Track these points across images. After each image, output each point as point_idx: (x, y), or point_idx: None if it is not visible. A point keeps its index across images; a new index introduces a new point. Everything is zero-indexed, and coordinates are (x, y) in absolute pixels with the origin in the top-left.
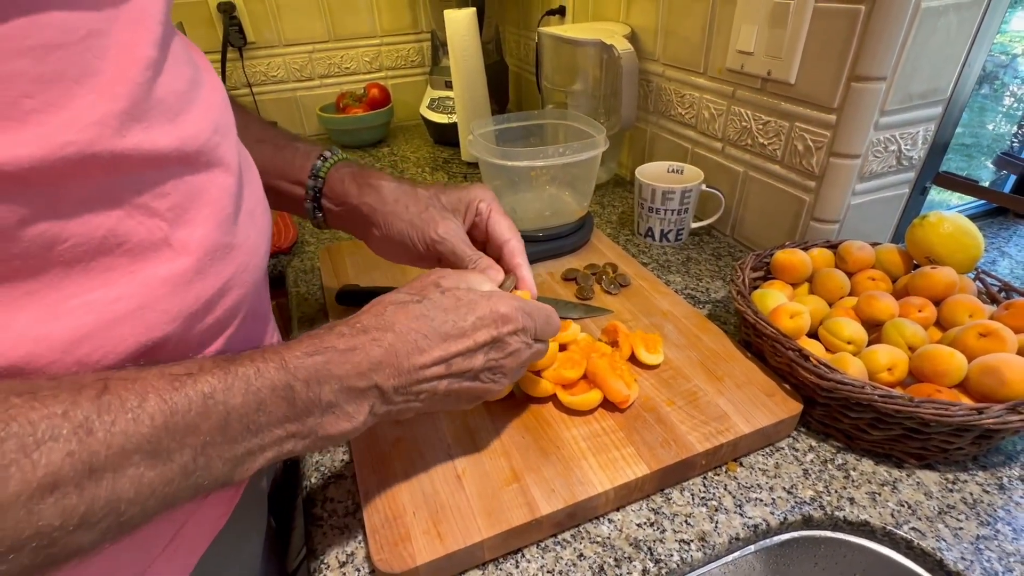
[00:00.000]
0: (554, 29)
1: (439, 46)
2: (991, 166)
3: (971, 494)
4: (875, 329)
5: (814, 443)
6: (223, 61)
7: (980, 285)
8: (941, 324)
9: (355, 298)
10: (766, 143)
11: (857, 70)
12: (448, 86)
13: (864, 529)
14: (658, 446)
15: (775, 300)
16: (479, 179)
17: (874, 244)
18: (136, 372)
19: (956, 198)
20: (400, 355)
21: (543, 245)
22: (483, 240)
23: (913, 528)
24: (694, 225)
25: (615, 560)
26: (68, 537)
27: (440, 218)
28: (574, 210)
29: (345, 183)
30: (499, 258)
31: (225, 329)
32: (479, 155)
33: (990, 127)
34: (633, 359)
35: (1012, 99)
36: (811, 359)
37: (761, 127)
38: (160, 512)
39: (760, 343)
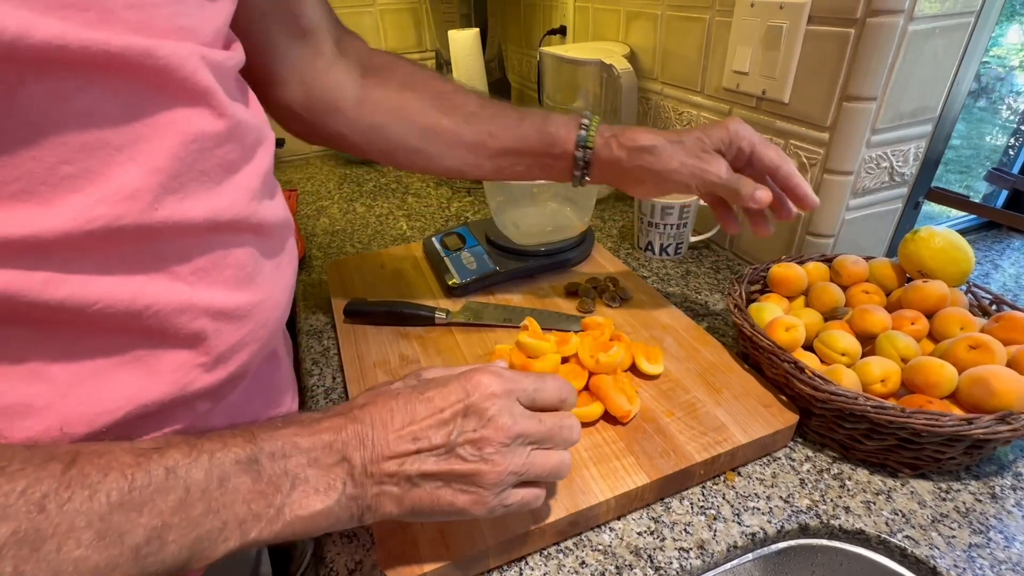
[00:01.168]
0: (555, 49)
1: (443, 64)
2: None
3: (964, 503)
4: (869, 342)
5: (810, 453)
6: None
7: (972, 298)
8: (933, 336)
9: (363, 314)
10: None
11: (848, 90)
12: None
13: (859, 537)
14: (658, 456)
15: (771, 313)
16: (482, 194)
17: (868, 258)
18: (107, 446)
19: (952, 211)
20: (368, 430)
21: (545, 260)
22: (744, 165)
23: (907, 536)
24: (693, 239)
25: (616, 568)
26: None
27: (714, 163)
28: (575, 225)
29: (613, 149)
30: (771, 180)
31: (238, 381)
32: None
33: (988, 139)
34: (634, 368)
35: (1009, 112)
36: (806, 371)
37: None
38: None
39: (757, 355)
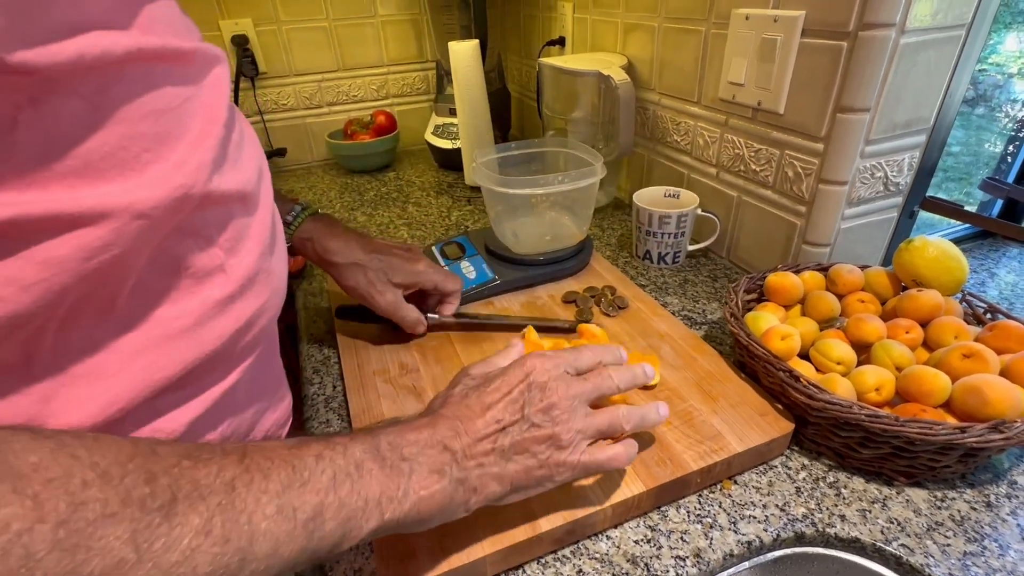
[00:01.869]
0: (554, 60)
1: (443, 75)
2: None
3: (959, 511)
4: (864, 350)
5: (807, 461)
6: (236, 90)
7: (967, 307)
8: (928, 345)
9: (354, 313)
10: (758, 169)
11: (842, 102)
12: (452, 113)
13: (855, 546)
14: (654, 464)
15: (767, 322)
16: (482, 203)
17: (863, 267)
18: (263, 443)
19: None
20: (456, 422)
21: (543, 269)
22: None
23: (902, 544)
24: (691, 248)
25: None
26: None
27: (380, 296)
28: (574, 234)
29: (308, 251)
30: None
31: (256, 348)
32: (481, 182)
33: (987, 146)
34: None
35: (1007, 119)
36: (801, 380)
37: (753, 154)
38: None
39: (753, 364)
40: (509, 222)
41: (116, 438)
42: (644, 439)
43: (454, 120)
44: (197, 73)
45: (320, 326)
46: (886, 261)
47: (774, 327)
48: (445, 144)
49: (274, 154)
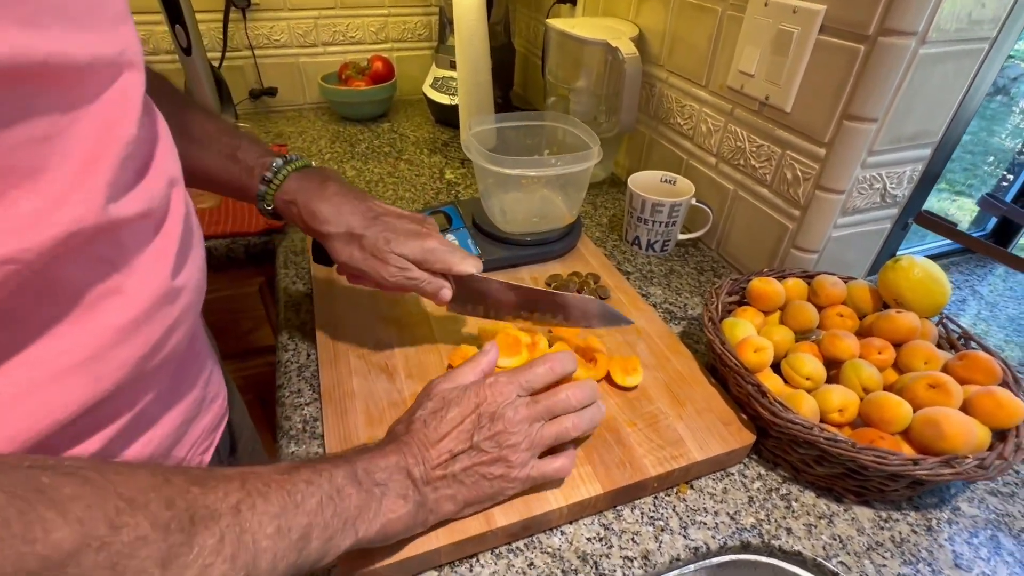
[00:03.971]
0: (562, 24)
1: (447, 23)
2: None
3: (900, 533)
4: (836, 366)
5: (763, 471)
6: (225, 22)
7: (942, 330)
8: (898, 367)
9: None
10: (758, 166)
11: (850, 109)
12: (453, 66)
13: (797, 559)
14: (614, 467)
15: (743, 331)
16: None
17: (847, 279)
18: (258, 468)
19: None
20: (416, 449)
21: (530, 250)
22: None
23: (841, 562)
24: (681, 236)
25: (562, 572)
26: None
27: (384, 268)
28: (563, 216)
29: (293, 215)
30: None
31: (171, 364)
32: (472, 157)
33: (996, 139)
34: (609, 378)
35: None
36: (768, 396)
37: (755, 149)
38: None
39: (724, 372)
40: (498, 196)
41: (129, 465)
42: (607, 440)
43: (454, 74)
44: (92, 91)
45: (299, 287)
46: (874, 269)
47: (749, 338)
48: (443, 99)
49: (264, 93)
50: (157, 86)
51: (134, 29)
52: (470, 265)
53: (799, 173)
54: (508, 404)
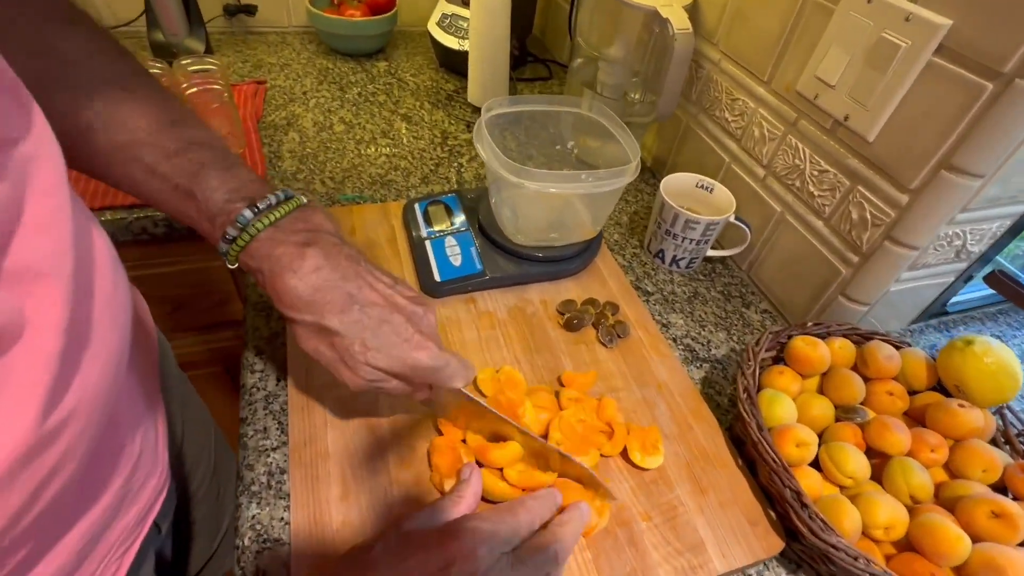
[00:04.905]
0: None
1: None
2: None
3: None
4: (880, 456)
5: (784, 574)
6: None
7: (999, 421)
8: (950, 467)
9: None
10: (816, 193)
11: (953, 158)
12: (464, 3)
13: None
14: None
15: (783, 411)
16: None
17: (901, 344)
18: None
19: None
20: None
21: (541, 266)
22: None
23: None
24: (710, 253)
25: None
26: None
27: (351, 370)
28: (585, 229)
29: (260, 282)
30: None
31: (53, 507)
32: (483, 155)
33: None
34: (624, 455)
35: None
36: (809, 509)
37: (816, 174)
38: None
39: (755, 455)
40: (510, 199)
41: None
42: (618, 538)
43: (465, 13)
44: None
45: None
46: (926, 318)
47: (791, 429)
48: (451, 42)
49: (241, 10)
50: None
51: None
52: (460, 379)
53: (868, 216)
54: (492, 567)
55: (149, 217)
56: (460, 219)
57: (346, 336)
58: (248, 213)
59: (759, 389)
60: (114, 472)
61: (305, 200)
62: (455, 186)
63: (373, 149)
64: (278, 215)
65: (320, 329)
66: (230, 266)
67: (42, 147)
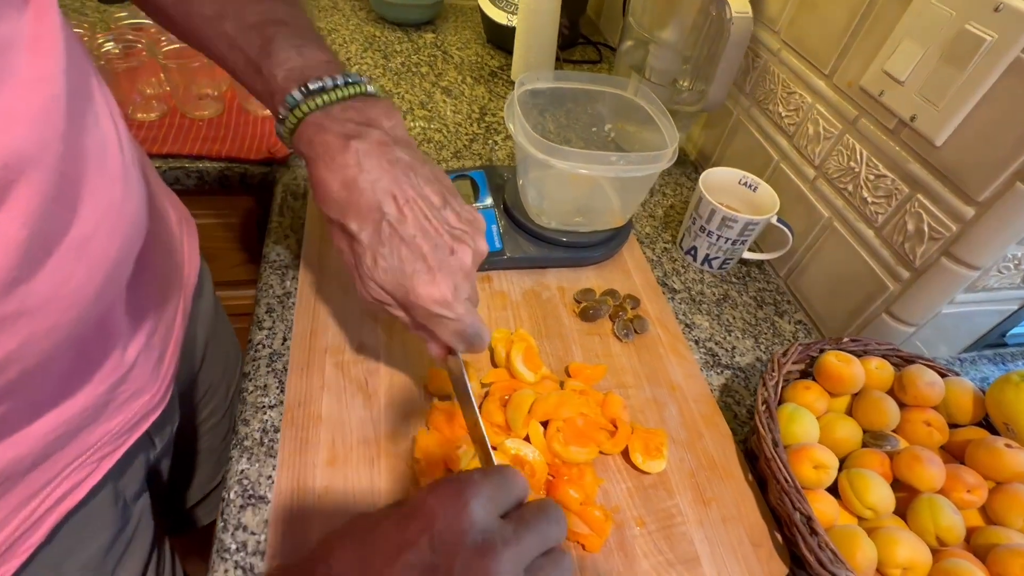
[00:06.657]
0: None
1: None
2: None
3: None
4: (908, 490)
5: None
6: None
7: None
8: (986, 511)
9: None
10: (870, 200)
11: None
12: None
13: None
14: None
15: (803, 428)
16: None
17: (946, 373)
18: None
19: None
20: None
21: (563, 252)
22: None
23: None
24: (746, 255)
25: None
26: None
27: (364, 284)
28: (615, 216)
29: (305, 163)
30: None
31: (13, 372)
32: (515, 131)
33: None
34: (625, 454)
35: None
36: (819, 537)
37: (872, 178)
38: None
39: (767, 473)
40: (537, 178)
41: None
42: (608, 549)
43: None
44: None
45: (292, 245)
46: (975, 347)
47: (810, 448)
48: (500, 17)
49: None
50: None
51: None
52: (460, 342)
53: (925, 228)
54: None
55: (183, 168)
56: (485, 196)
57: (362, 243)
58: (297, 94)
59: (780, 402)
60: (94, 376)
61: (371, 89)
62: (487, 164)
63: (409, 120)
64: (328, 99)
65: (343, 229)
66: (288, 149)
67: (21, 37)
